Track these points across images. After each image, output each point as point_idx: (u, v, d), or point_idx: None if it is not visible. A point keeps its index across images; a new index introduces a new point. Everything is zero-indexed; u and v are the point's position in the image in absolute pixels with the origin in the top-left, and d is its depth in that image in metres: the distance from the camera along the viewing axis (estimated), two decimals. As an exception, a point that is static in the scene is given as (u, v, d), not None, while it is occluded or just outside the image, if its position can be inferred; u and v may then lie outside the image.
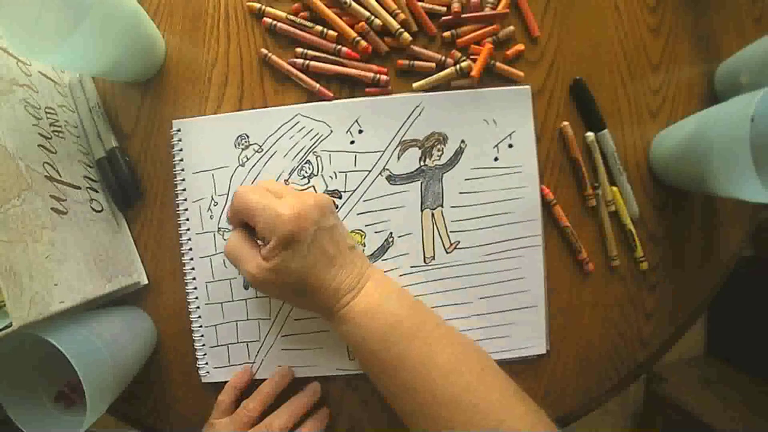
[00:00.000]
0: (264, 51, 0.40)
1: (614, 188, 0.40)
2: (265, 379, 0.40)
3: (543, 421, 0.32)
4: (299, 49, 0.40)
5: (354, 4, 0.39)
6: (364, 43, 0.39)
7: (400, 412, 0.34)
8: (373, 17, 0.39)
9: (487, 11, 0.40)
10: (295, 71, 0.40)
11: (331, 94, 0.40)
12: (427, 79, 0.39)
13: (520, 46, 0.40)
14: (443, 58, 0.40)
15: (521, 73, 0.40)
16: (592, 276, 0.41)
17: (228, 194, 0.40)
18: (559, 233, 0.40)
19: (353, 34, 0.39)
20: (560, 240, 0.40)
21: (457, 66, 0.39)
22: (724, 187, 0.32)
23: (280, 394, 0.39)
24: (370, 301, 0.33)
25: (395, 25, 0.39)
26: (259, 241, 0.34)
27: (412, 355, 0.32)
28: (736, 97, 0.32)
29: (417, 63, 0.40)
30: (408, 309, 0.34)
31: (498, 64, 0.40)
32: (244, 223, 0.34)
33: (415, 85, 0.40)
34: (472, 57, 0.40)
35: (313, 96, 0.41)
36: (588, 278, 0.41)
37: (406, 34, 0.39)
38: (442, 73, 0.39)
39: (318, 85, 0.40)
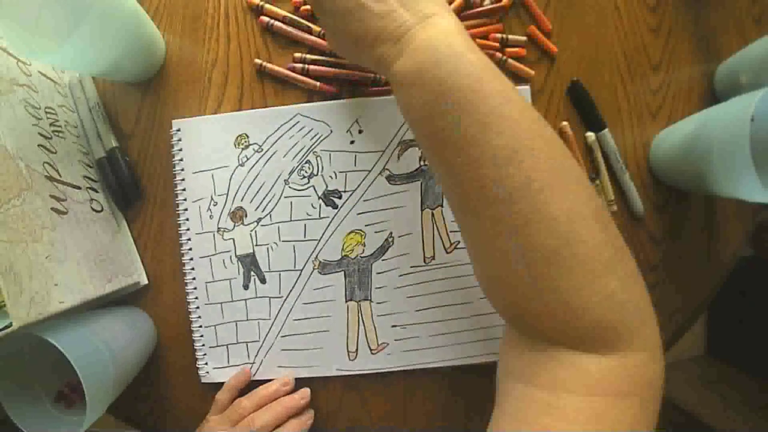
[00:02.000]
0: (258, 61, 0.40)
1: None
2: (264, 380, 0.40)
3: (623, 261, 0.25)
4: (298, 54, 0.40)
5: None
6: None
7: (451, 204, 0.28)
8: None
9: (487, 5, 0.40)
10: (294, 75, 0.40)
11: (334, 89, 0.40)
12: None
13: (522, 50, 0.40)
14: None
15: (532, 72, 0.40)
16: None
17: (228, 194, 0.40)
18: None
19: None
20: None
21: None
22: (724, 187, 0.32)
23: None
24: (417, 60, 0.26)
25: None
26: None
27: (461, 131, 0.25)
28: (736, 97, 0.32)
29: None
30: (468, 76, 0.25)
31: (510, 60, 0.40)
32: None
33: None
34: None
35: (313, 96, 0.41)
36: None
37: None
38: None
39: (318, 83, 0.40)
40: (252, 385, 0.40)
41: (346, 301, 0.40)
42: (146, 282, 0.41)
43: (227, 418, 0.37)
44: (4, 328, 0.27)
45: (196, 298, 0.40)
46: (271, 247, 0.40)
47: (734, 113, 0.30)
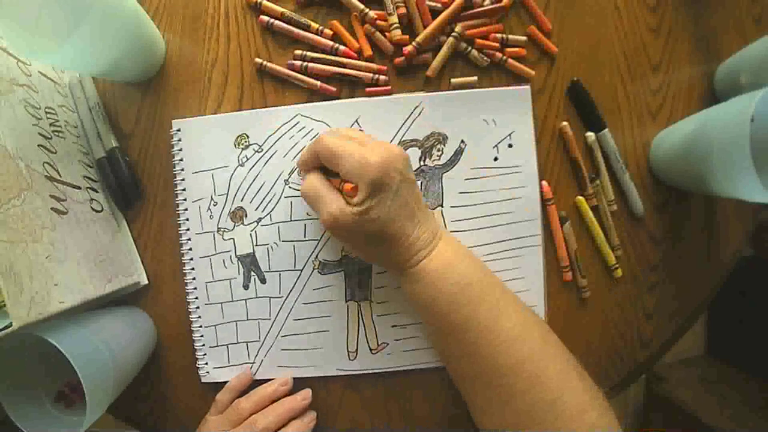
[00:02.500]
0: (259, 60, 0.40)
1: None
2: (264, 380, 0.40)
3: (598, 398, 0.31)
4: (298, 51, 0.40)
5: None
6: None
7: (459, 376, 0.34)
8: (367, 10, 0.39)
9: (487, 5, 0.40)
10: (293, 74, 0.40)
11: (334, 89, 0.40)
12: (436, 59, 0.40)
13: (522, 50, 0.40)
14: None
15: (532, 72, 0.40)
16: (592, 276, 0.41)
17: (228, 194, 0.40)
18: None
19: (369, 50, 0.40)
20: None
21: (453, 33, 0.39)
22: (724, 187, 0.32)
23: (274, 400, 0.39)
24: (442, 261, 0.33)
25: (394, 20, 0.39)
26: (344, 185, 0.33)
27: (479, 319, 0.31)
28: (736, 97, 0.32)
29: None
30: (478, 272, 0.33)
31: (510, 60, 0.40)
32: (318, 167, 0.34)
33: (429, 71, 0.40)
34: (476, 47, 0.40)
35: (313, 96, 0.41)
36: (588, 277, 0.41)
37: (397, 32, 0.39)
38: (444, 48, 0.39)
39: (319, 83, 0.40)
40: (252, 385, 0.40)
41: (346, 301, 0.40)
42: (146, 282, 0.41)
43: (227, 419, 0.37)
44: (4, 328, 0.27)
45: (196, 298, 0.40)
46: (271, 247, 0.40)
47: (734, 113, 0.30)
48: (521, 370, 0.30)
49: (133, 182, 0.41)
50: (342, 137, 0.33)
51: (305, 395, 0.40)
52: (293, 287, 0.40)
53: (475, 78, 0.40)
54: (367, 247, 0.34)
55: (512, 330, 0.31)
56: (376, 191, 0.31)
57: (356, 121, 0.40)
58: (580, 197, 0.40)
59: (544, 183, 0.40)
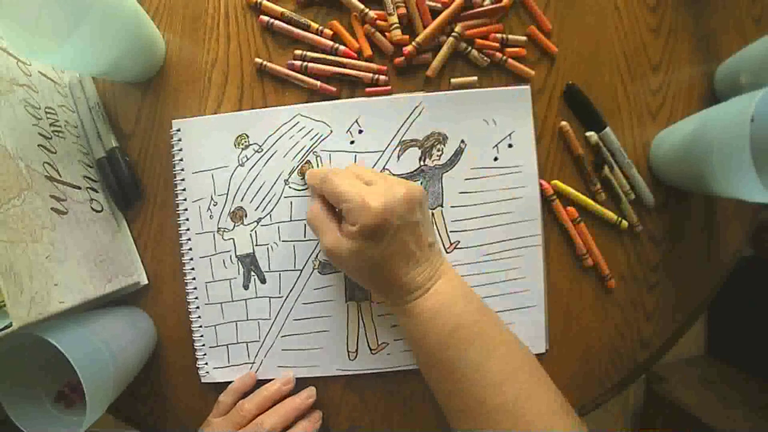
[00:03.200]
0: (259, 60, 0.40)
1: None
2: (265, 380, 0.40)
3: None
4: (298, 51, 0.40)
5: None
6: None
7: (446, 409, 0.34)
8: (367, 10, 0.39)
9: (487, 5, 0.40)
10: (293, 74, 0.40)
11: (334, 89, 0.40)
12: (436, 59, 0.40)
13: (522, 50, 0.40)
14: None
15: (532, 72, 0.40)
16: (592, 275, 0.41)
17: (228, 194, 0.40)
18: (560, 230, 0.40)
19: (369, 50, 0.40)
20: (560, 238, 0.40)
21: (453, 33, 0.39)
22: (724, 187, 0.32)
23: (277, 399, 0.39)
24: (436, 301, 0.33)
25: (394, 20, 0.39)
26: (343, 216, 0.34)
27: (468, 360, 0.32)
28: (736, 97, 0.32)
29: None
30: (472, 313, 0.34)
31: (510, 60, 0.40)
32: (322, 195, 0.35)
33: (429, 71, 0.40)
34: (476, 47, 0.40)
35: (313, 96, 0.41)
36: (588, 277, 0.41)
37: (397, 32, 0.39)
38: (444, 48, 0.39)
39: (319, 83, 0.40)
40: (254, 386, 0.40)
41: (346, 301, 0.40)
42: (146, 282, 0.41)
43: (231, 421, 0.37)
44: (4, 328, 0.27)
45: (196, 298, 0.40)
46: (271, 247, 0.40)
47: (734, 113, 0.30)
48: (508, 410, 0.31)
49: (133, 182, 0.41)
50: (348, 175, 0.34)
51: (310, 393, 0.39)
52: (293, 287, 0.40)
53: (475, 78, 0.40)
54: (361, 278, 0.35)
55: (501, 372, 0.32)
56: (370, 235, 0.31)
57: (356, 121, 0.40)
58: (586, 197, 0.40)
59: (543, 182, 0.40)
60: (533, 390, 0.32)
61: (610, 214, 0.40)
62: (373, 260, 0.32)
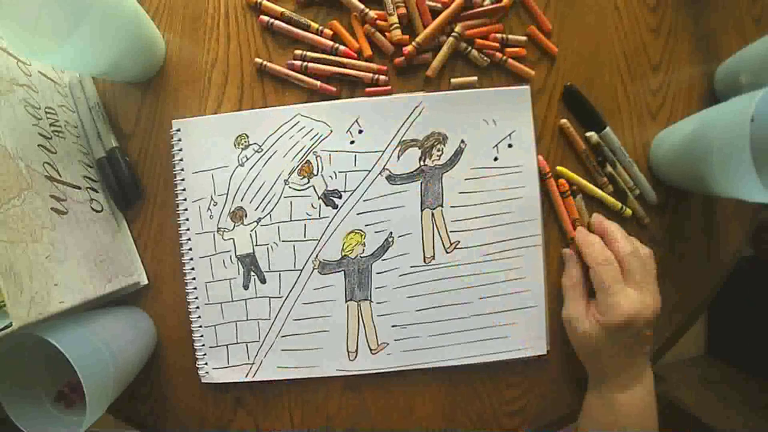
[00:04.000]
0: (259, 60, 0.40)
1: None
2: (264, 381, 0.40)
3: None
4: (298, 51, 0.40)
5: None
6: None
7: None
8: (367, 10, 0.39)
9: (487, 5, 0.40)
10: (293, 74, 0.40)
11: (334, 89, 0.40)
12: (436, 59, 0.40)
13: (522, 50, 0.40)
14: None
15: (532, 72, 0.40)
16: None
17: (228, 194, 0.40)
18: (559, 230, 0.40)
19: (369, 51, 0.40)
20: (560, 237, 0.40)
21: (453, 33, 0.39)
22: (724, 187, 0.32)
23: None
24: (627, 402, 0.36)
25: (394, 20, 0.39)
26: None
27: None
28: (736, 97, 0.32)
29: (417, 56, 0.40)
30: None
31: (510, 60, 0.40)
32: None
33: (429, 71, 0.40)
34: (476, 47, 0.40)
35: (313, 95, 0.41)
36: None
37: (397, 31, 0.39)
38: (444, 48, 0.39)
39: (319, 83, 0.40)
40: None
41: (346, 301, 0.40)
42: (146, 282, 0.41)
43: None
44: (4, 328, 0.27)
45: (196, 298, 0.40)
46: (271, 247, 0.40)
47: (734, 113, 0.30)
48: None
49: (133, 182, 0.41)
50: (614, 267, 0.35)
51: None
52: (293, 287, 0.40)
53: (475, 78, 0.40)
54: (580, 353, 0.38)
55: None
56: (610, 332, 0.35)
57: (356, 121, 0.40)
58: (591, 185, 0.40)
59: (540, 157, 0.40)
60: None
61: (614, 201, 0.40)
62: (597, 348, 0.36)
